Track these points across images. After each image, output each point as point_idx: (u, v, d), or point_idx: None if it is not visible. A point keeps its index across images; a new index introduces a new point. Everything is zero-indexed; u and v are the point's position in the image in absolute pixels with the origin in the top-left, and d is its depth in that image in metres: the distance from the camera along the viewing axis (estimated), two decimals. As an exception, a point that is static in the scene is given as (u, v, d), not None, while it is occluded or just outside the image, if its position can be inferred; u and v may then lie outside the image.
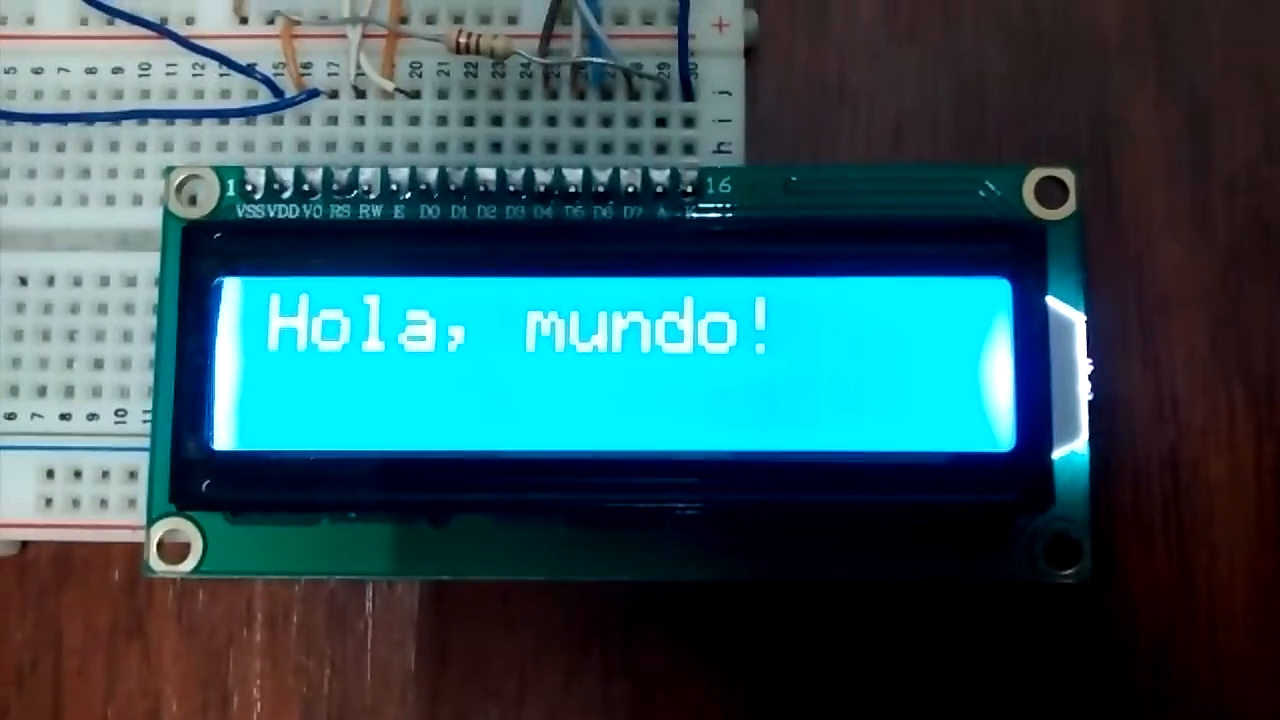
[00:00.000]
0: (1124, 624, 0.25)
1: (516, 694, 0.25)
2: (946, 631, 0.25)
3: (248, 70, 0.26)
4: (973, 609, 0.25)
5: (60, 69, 0.26)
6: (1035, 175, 0.24)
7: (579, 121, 0.26)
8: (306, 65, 0.26)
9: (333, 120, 0.26)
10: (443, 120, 0.26)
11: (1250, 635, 0.25)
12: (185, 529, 0.23)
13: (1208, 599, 0.25)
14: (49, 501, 0.25)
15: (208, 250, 0.23)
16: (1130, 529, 0.25)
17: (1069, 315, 0.24)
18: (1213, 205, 0.26)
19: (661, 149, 0.25)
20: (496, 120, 0.26)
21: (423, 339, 0.23)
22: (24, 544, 0.26)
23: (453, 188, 0.24)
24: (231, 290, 0.23)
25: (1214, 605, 0.25)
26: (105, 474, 0.25)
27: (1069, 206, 0.24)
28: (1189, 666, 0.25)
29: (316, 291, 0.23)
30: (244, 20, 0.26)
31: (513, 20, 0.26)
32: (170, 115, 0.26)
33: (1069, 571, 0.23)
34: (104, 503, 0.25)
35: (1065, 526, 0.23)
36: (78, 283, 0.25)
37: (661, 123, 0.26)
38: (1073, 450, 0.23)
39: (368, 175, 0.24)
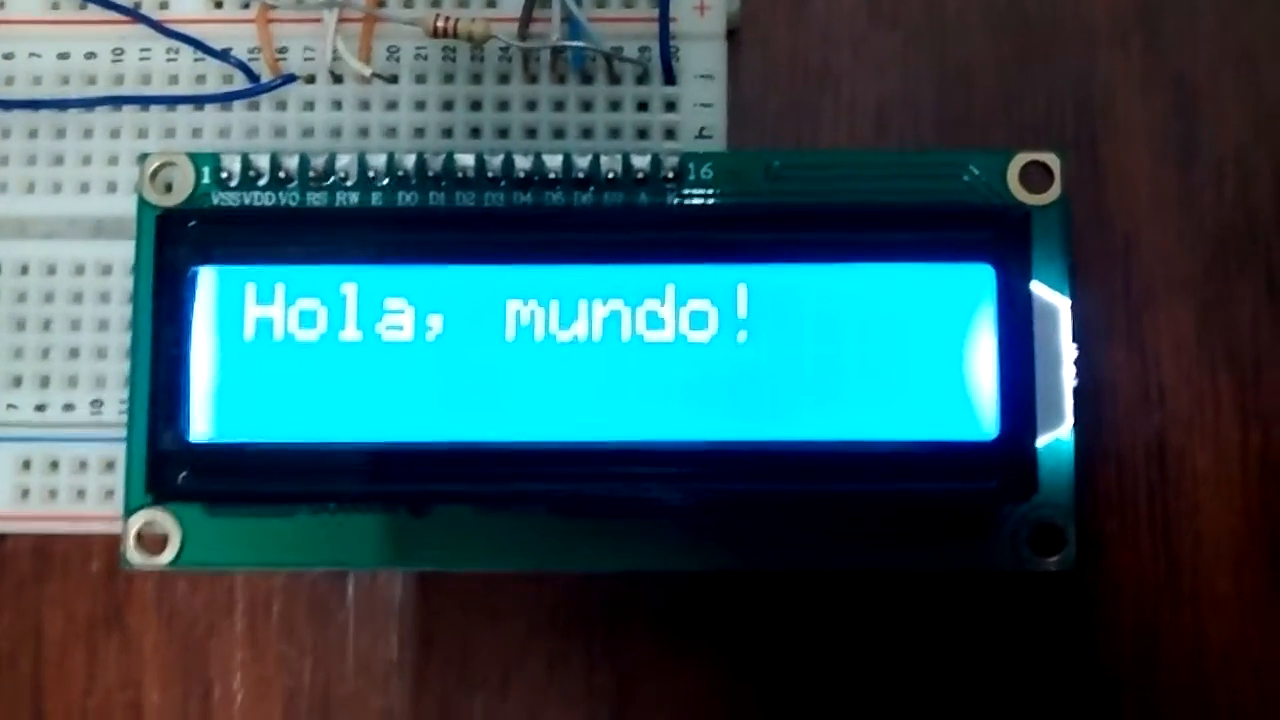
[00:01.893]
0: (1108, 611, 0.25)
1: (500, 683, 0.25)
2: (931, 620, 0.25)
3: (223, 55, 0.25)
4: (957, 597, 0.25)
5: (32, 54, 0.26)
6: (1020, 160, 0.24)
7: (559, 106, 0.25)
8: (282, 50, 0.26)
9: (309, 106, 0.26)
10: (420, 105, 0.26)
11: (1235, 622, 0.25)
12: (163, 521, 0.23)
13: (1192, 586, 0.25)
14: (26, 493, 0.25)
15: (183, 239, 0.23)
16: (1115, 516, 0.25)
17: (1054, 301, 0.23)
18: (1199, 191, 0.26)
19: (643, 134, 0.25)
20: (475, 105, 0.25)
21: (400, 328, 0.23)
22: (2, 536, 0.25)
23: (431, 174, 0.24)
24: (207, 279, 0.23)
25: (1198, 592, 0.25)
26: (83, 465, 0.25)
27: (1054, 191, 0.23)
28: (1173, 654, 0.25)
29: (293, 280, 0.23)
30: (219, 4, 0.26)
31: (491, 3, 0.26)
32: (144, 101, 0.25)
33: (1053, 559, 0.23)
34: (81, 494, 0.25)
35: (1049, 514, 0.23)
36: (52, 271, 0.25)
37: (643, 107, 0.25)
38: (1057, 437, 0.23)
39: (345, 162, 0.24)
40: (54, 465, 0.25)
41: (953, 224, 0.23)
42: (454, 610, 0.25)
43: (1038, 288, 0.23)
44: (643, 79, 0.25)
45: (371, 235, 0.23)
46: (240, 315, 0.23)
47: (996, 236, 0.23)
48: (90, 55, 0.26)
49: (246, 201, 0.24)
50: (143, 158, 0.24)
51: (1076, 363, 0.23)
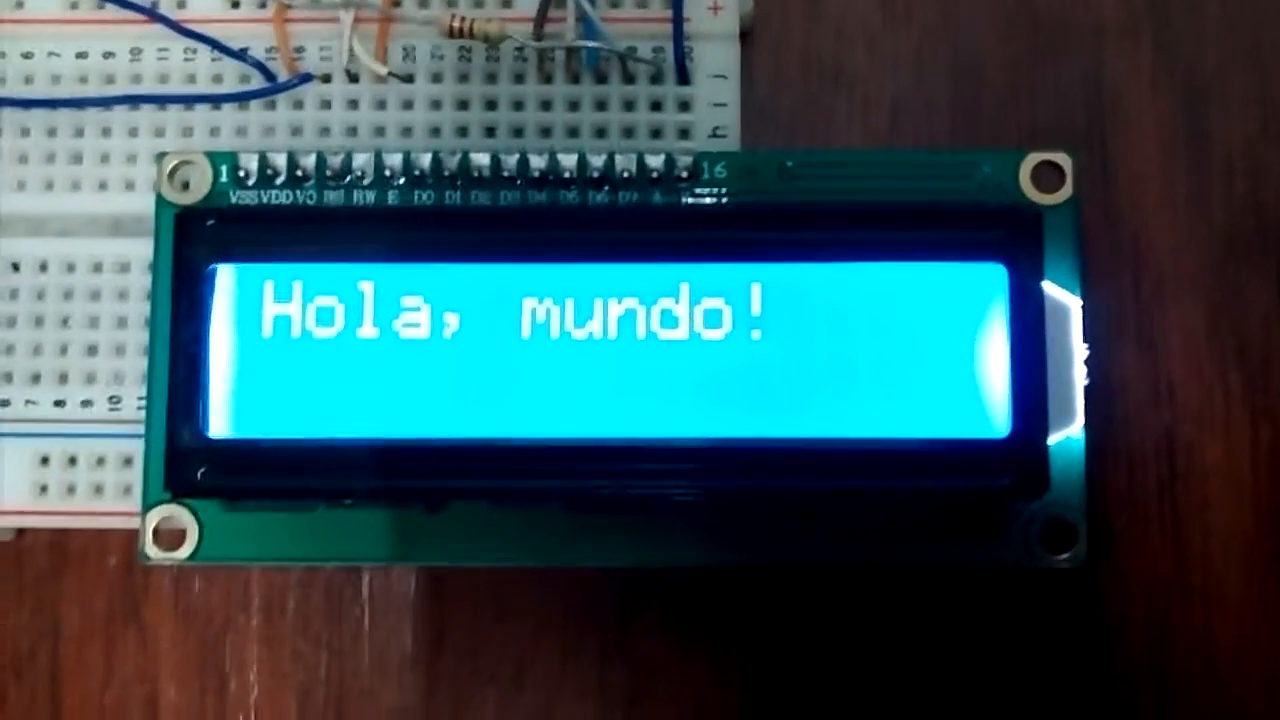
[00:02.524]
0: (1119, 608, 0.25)
1: (513, 678, 0.25)
2: (943, 616, 0.25)
3: (240, 55, 0.26)
4: (969, 594, 0.25)
5: (51, 53, 0.26)
6: (1032, 159, 0.24)
7: (573, 106, 0.26)
8: (299, 49, 0.26)
9: (326, 105, 0.26)
10: (436, 104, 0.26)
11: (1246, 618, 0.25)
12: (180, 516, 0.23)
13: (1203, 582, 0.25)
14: (44, 488, 0.25)
15: (201, 237, 0.23)
16: (1126, 513, 0.25)
17: (1065, 300, 0.23)
18: (1209, 188, 0.26)
19: (656, 133, 0.25)
20: (490, 104, 0.26)
21: (417, 325, 0.23)
22: (20, 531, 0.26)
23: (446, 173, 0.24)
24: (225, 277, 0.23)
25: (1209, 589, 0.25)
26: (100, 461, 0.25)
27: (1065, 190, 0.24)
28: (1184, 650, 0.25)
29: (310, 278, 0.23)
30: (236, 4, 0.26)
31: (507, 3, 0.26)
32: (162, 100, 0.26)
33: (1064, 556, 0.23)
34: (99, 489, 0.25)
35: (1061, 511, 0.23)
36: (71, 269, 0.25)
37: (657, 107, 0.25)
38: (1068, 435, 0.23)
39: (361, 160, 0.24)
40: (72, 461, 0.25)
41: (965, 223, 0.23)
42: (468, 605, 0.25)
43: (1049, 287, 0.23)
44: (657, 79, 0.25)
45: (388, 234, 0.23)
46: (258, 312, 0.23)
47: (1008, 236, 0.23)
48: (108, 54, 0.26)
49: (264, 200, 0.24)
50: (160, 156, 0.24)
51: (1087, 361, 0.23)
